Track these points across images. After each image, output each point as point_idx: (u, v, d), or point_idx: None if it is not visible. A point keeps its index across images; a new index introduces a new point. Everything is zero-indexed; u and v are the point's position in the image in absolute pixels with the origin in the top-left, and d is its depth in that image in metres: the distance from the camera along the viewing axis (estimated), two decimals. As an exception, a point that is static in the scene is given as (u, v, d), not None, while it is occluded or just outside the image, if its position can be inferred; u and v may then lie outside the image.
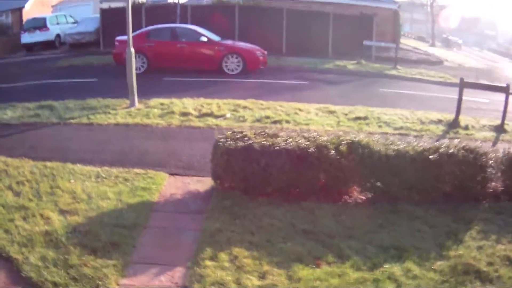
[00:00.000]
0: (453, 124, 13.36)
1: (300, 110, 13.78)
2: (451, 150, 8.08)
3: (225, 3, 30.94)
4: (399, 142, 8.28)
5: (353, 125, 12.64)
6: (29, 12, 39.72)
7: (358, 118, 13.27)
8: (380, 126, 12.73)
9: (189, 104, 13.92)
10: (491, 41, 77.72)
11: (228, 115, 12.93)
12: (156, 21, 23.98)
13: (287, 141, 7.74)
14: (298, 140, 7.79)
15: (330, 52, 29.01)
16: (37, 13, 37.58)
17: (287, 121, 12.58)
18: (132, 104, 13.82)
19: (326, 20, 29.16)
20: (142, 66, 20.31)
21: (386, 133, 11.91)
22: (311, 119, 12.97)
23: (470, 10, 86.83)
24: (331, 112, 13.81)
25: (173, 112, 13.05)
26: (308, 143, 7.73)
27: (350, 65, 24.68)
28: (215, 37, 21.40)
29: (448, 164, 7.95)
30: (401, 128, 12.70)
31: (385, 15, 31.78)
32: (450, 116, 13.85)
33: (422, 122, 13.42)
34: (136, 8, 30.09)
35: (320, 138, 7.99)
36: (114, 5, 32.39)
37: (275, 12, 29.18)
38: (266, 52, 21.41)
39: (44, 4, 42.20)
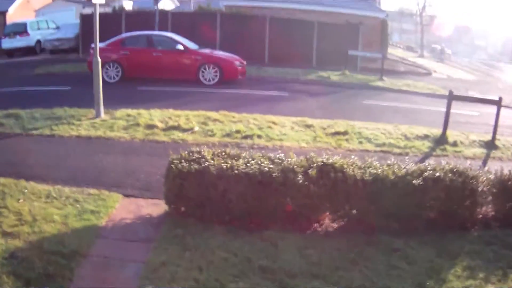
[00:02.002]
0: (440, 140, 12.50)
1: (274, 123, 12.85)
2: (437, 174, 7.20)
3: (206, 10, 30.05)
4: (378, 164, 7.37)
5: (331, 141, 11.73)
6: (13, 16, 39.31)
7: (337, 133, 12.34)
8: (360, 143, 11.82)
9: (156, 115, 13.06)
10: (481, 51, 77.37)
11: (196, 128, 12.01)
12: (136, 28, 23.19)
13: (249, 164, 6.81)
14: (262, 163, 6.86)
15: (314, 62, 28.15)
16: (21, 17, 37.10)
17: (259, 136, 11.66)
18: (98, 114, 13.04)
19: (310, 29, 28.28)
20: (117, 75, 19.56)
21: (367, 150, 11.20)
22: (285, 134, 12.04)
23: (461, 20, 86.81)
24: (308, 126, 12.90)
25: (138, 125, 12.19)
26: (272, 166, 6.78)
27: (334, 76, 23.72)
28: (193, 46, 20.54)
29: (433, 189, 7.08)
30: (384, 144, 11.81)
31: (372, 24, 30.93)
32: (437, 131, 13.00)
33: (407, 138, 12.54)
34: (117, 14, 29.41)
35: (287, 160, 7.07)
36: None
37: (258, 20, 28.31)
38: (245, 62, 20.53)
39: (28, 8, 41.82)
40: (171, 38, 20.44)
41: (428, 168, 7.39)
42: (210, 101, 16.27)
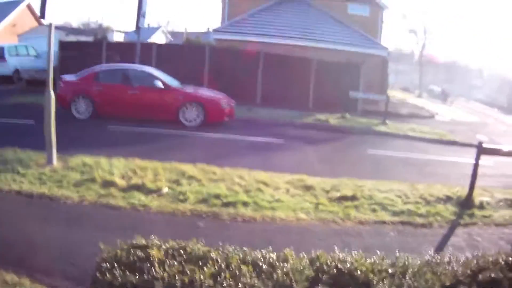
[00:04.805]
0: (466, 203, 10.13)
1: (265, 184, 10.28)
2: (492, 274, 4.93)
3: (194, 43, 27.82)
4: (416, 264, 5.01)
5: (337, 209, 9.13)
6: (-2, 40, 37.65)
7: (344, 197, 9.78)
8: (374, 211, 9.29)
9: (119, 167, 10.58)
10: (477, 90, 76.33)
11: (165, 190, 9.41)
12: (118, 60, 21.07)
13: (220, 278, 4.25)
14: (242, 275, 4.29)
15: (311, 104, 25.82)
16: (7, 40, 35.45)
17: (245, 204, 9.00)
18: (50, 161, 10.72)
19: (307, 67, 26.01)
20: (87, 112, 17.40)
21: (383, 222, 8.76)
22: (279, 199, 9.40)
23: (457, 60, 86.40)
24: (308, 188, 10.36)
25: (93, 180, 9.68)
26: (257, 284, 4.21)
27: (333, 119, 21.54)
28: (174, 82, 18.30)
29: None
30: (402, 213, 9.33)
31: (373, 63, 28.79)
32: (459, 190, 10.75)
33: (427, 202, 10.13)
34: (97, 44, 27.41)
35: (282, 266, 4.52)
36: (83, 38, 30.11)
37: (251, 56, 25.95)
38: (233, 102, 18.29)
39: (13, 33, 40.74)
40: (149, 74, 18.15)
41: (480, 264, 5.11)
42: (189, 147, 14.15)
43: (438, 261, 5.31)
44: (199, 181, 10.17)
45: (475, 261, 5.35)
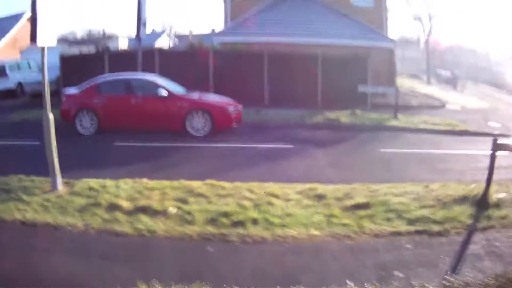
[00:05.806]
0: (482, 202, 9.61)
1: (275, 196, 9.89)
2: None
3: (198, 48, 27.37)
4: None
5: (350, 221, 8.68)
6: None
7: (357, 206, 9.37)
8: (388, 220, 8.81)
9: (125, 189, 10.23)
10: (484, 72, 75.50)
11: (172, 210, 9.06)
12: (121, 70, 20.82)
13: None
14: None
15: (320, 101, 25.42)
16: (9, 55, 35.84)
17: (255, 221, 8.57)
18: (54, 187, 10.31)
19: (314, 64, 25.62)
20: (92, 127, 17.10)
21: (399, 233, 8.25)
22: (290, 214, 8.99)
23: (464, 43, 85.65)
24: (320, 197, 9.96)
25: (98, 205, 9.32)
26: None
27: (344, 117, 21.19)
28: (179, 90, 17.90)
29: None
30: (418, 220, 8.82)
31: (380, 55, 28.33)
32: (475, 188, 10.23)
33: (443, 204, 9.65)
34: (99, 55, 27.19)
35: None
36: (86, 49, 30.05)
37: (255, 58, 25.64)
38: (241, 107, 17.92)
39: (15, 47, 40.64)
40: (152, 82, 17.75)
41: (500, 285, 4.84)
42: (197, 160, 13.82)
43: (456, 285, 4.98)
44: (207, 198, 9.84)
45: (494, 281, 5.03)
